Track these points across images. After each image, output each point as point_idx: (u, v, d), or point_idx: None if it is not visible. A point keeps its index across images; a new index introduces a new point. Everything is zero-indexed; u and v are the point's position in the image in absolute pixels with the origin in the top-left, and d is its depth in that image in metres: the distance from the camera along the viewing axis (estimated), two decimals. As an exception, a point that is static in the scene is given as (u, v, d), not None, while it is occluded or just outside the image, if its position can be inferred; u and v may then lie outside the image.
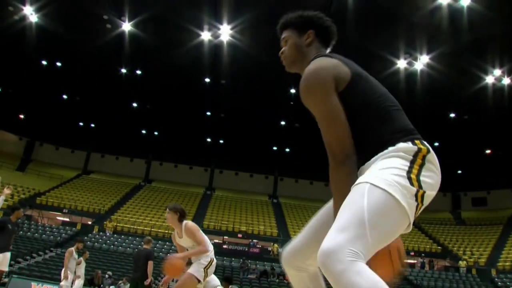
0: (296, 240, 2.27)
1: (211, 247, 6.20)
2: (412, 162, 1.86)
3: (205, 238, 6.21)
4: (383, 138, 1.95)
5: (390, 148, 1.91)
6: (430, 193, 1.86)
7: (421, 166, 1.86)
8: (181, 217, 6.21)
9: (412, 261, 30.94)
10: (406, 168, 1.83)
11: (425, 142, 1.95)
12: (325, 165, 2.00)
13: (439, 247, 32.69)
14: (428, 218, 37.04)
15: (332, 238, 1.66)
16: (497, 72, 26.15)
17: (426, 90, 27.87)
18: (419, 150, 1.89)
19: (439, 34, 24.02)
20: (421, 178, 1.83)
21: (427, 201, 1.87)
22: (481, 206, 39.96)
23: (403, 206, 1.75)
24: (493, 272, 27.27)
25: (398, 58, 26.29)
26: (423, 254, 30.11)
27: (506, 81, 26.62)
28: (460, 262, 28.85)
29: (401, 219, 1.78)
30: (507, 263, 28.75)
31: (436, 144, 31.76)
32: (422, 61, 26.17)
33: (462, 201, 41.72)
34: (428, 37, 24.55)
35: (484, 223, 36.89)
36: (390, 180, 1.78)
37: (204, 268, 5.97)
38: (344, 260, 1.59)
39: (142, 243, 11.38)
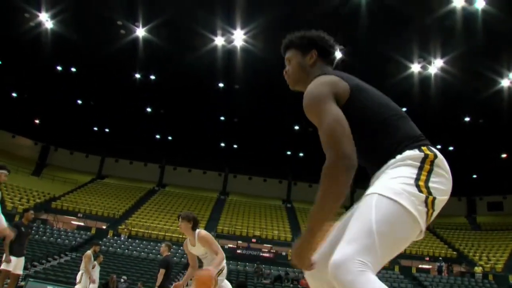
0: (319, 250, 2.27)
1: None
2: (420, 169, 1.87)
3: (219, 246, 6.24)
4: (389, 149, 1.97)
5: (398, 157, 1.93)
6: (442, 198, 1.87)
7: (430, 172, 1.87)
8: (195, 225, 6.22)
9: (427, 266, 30.64)
10: (414, 176, 1.85)
11: (433, 148, 1.97)
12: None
13: (454, 252, 32.32)
14: (443, 222, 36.64)
15: (341, 250, 1.71)
16: (513, 75, 25.89)
17: (440, 94, 27.60)
18: (426, 156, 1.91)
19: (453, 38, 23.80)
20: (430, 184, 1.84)
21: (439, 206, 1.88)
22: (497, 211, 39.45)
23: (412, 213, 1.77)
24: (511, 279, 26.88)
25: (412, 62, 26.07)
26: (440, 258, 29.71)
27: (522, 84, 26.32)
28: (476, 268, 28.46)
29: (411, 226, 1.81)
30: (525, 270, 28.31)
31: (451, 148, 31.52)
32: (436, 65, 25.94)
33: (477, 205, 41.20)
34: (442, 41, 24.36)
35: (500, 228, 36.37)
36: (397, 189, 1.80)
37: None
38: (353, 270, 1.63)
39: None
